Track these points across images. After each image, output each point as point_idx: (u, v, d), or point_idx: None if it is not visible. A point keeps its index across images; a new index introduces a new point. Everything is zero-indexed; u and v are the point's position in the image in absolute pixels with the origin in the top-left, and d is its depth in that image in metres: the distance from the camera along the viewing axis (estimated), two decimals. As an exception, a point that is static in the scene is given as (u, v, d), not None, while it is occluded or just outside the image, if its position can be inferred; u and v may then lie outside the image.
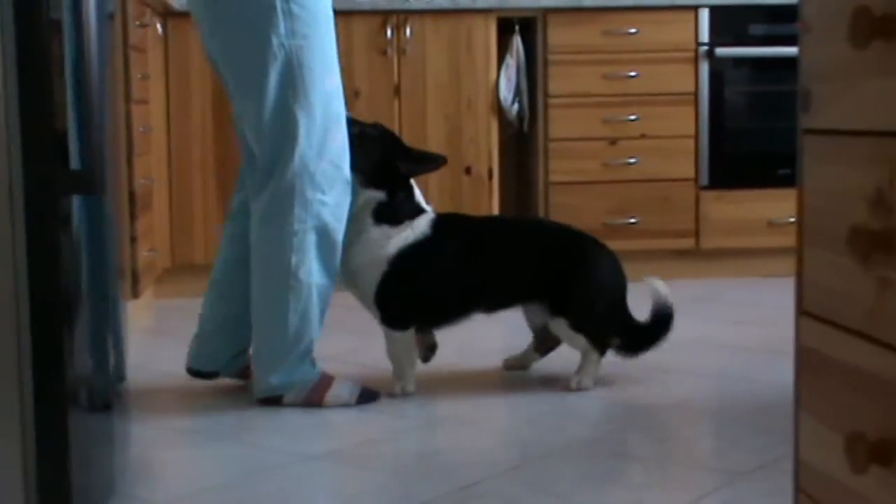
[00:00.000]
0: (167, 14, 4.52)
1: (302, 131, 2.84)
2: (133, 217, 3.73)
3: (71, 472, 1.78)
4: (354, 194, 3.00)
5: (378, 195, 3.03)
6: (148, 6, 4.07)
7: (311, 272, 2.90)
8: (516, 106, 4.75)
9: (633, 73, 4.73)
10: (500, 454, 2.54)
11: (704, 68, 4.76)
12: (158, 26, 4.37)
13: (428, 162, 3.17)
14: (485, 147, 4.64)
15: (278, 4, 2.81)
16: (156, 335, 3.93)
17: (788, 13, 4.69)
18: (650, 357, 3.28)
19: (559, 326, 3.07)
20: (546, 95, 4.72)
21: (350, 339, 3.76)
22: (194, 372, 3.13)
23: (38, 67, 1.70)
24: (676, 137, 4.76)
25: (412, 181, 3.10)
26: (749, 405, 2.92)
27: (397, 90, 4.62)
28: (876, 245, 1.18)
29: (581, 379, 3.08)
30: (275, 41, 2.82)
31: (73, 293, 1.82)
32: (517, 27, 4.75)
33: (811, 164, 1.37)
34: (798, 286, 1.41)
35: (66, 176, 1.77)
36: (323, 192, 2.88)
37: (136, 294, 3.78)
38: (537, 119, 4.76)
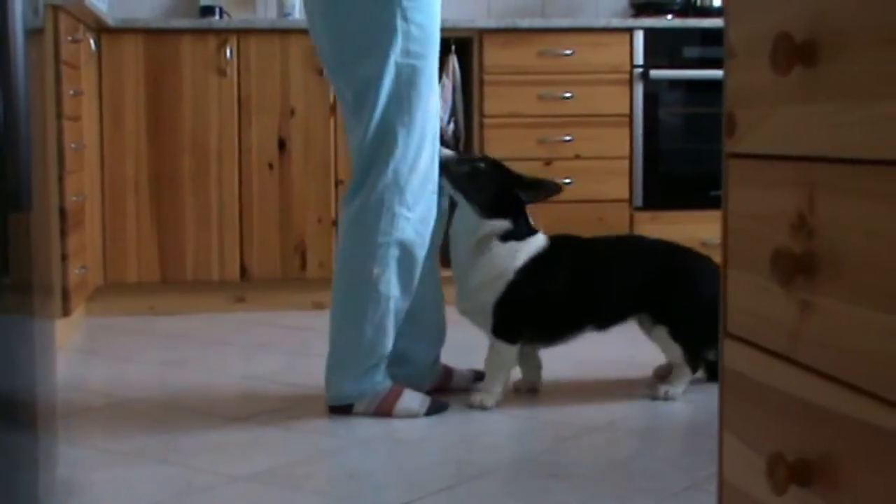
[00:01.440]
0: (101, 30, 4.48)
1: (399, 146, 2.93)
2: (64, 234, 3.69)
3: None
4: (475, 225, 3.10)
5: (504, 224, 3.12)
6: (81, 21, 4.03)
7: (391, 285, 2.96)
8: (452, 125, 4.76)
9: (568, 95, 4.76)
10: (433, 474, 2.53)
11: (639, 90, 4.80)
12: (91, 42, 4.33)
13: (546, 189, 3.23)
14: (421, 166, 4.63)
15: (399, 25, 2.89)
16: (86, 354, 3.88)
17: (722, 37, 4.74)
18: (579, 377, 3.30)
19: (659, 334, 3.17)
20: (481, 115, 4.74)
21: (281, 359, 3.75)
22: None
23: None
24: (611, 159, 4.80)
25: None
26: (679, 425, 2.94)
27: (333, 109, 4.61)
28: (798, 268, 1.19)
29: (669, 388, 3.17)
30: (392, 59, 2.90)
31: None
32: (453, 47, 4.76)
33: (735, 188, 1.39)
34: (723, 308, 1.42)
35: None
36: (409, 209, 2.95)
37: (66, 312, 3.74)
38: (473, 139, 4.77)
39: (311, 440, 2.81)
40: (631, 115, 4.81)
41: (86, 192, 4.12)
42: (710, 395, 3.11)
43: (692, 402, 3.14)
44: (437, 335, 3.21)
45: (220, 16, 5.02)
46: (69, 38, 3.76)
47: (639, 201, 4.82)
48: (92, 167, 4.35)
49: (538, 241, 3.17)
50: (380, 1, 2.88)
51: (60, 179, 3.65)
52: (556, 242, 3.20)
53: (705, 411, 3.02)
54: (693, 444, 2.75)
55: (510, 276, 3.09)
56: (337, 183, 4.64)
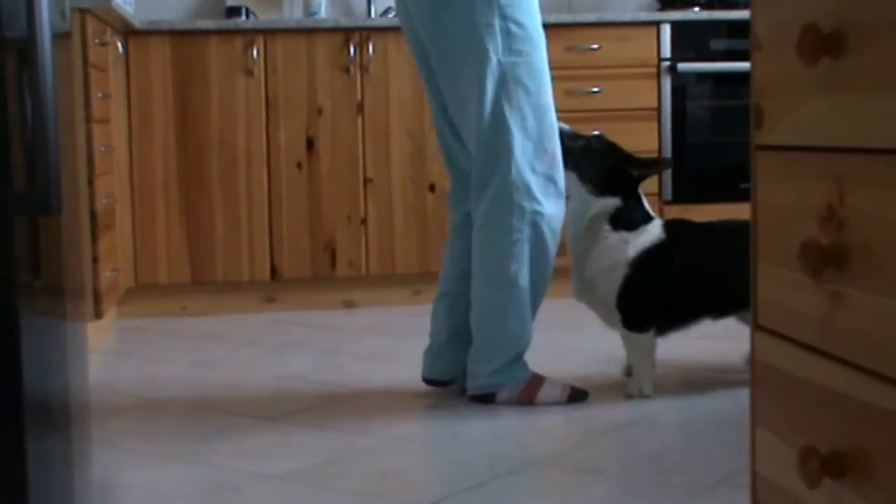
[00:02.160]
0: (127, 32, 4.50)
1: (517, 143, 2.98)
2: (95, 237, 3.71)
3: (30, 497, 1.76)
4: (586, 204, 3.13)
5: (614, 202, 3.14)
6: (108, 24, 4.05)
7: (528, 279, 3.03)
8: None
9: (595, 89, 4.75)
10: (464, 471, 2.53)
11: (667, 84, 4.79)
12: (119, 45, 4.35)
13: (659, 164, 3.27)
14: (448, 164, 4.63)
15: (497, 24, 2.96)
16: (118, 356, 3.90)
17: (749, 28, 4.71)
18: (609, 372, 3.29)
19: None
20: (509, 112, 4.72)
21: (312, 358, 3.75)
22: (430, 381, 3.23)
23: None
24: (639, 152, 4.76)
25: (639, 190, 3.19)
26: (711, 419, 2.92)
27: (360, 107, 4.62)
28: (827, 260, 1.18)
29: None
30: (493, 57, 2.96)
31: (26, 314, 1.81)
32: (480, 44, 4.75)
33: (763, 180, 1.38)
34: (753, 301, 1.41)
35: (15, 196, 1.76)
36: (538, 203, 3.00)
37: (98, 314, 3.76)
38: (501, 135, 4.76)
39: (342, 439, 2.81)
40: (659, 109, 4.79)
41: (115, 195, 4.14)
42: (741, 389, 3.10)
43: (723, 395, 3.13)
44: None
45: (247, 16, 5.04)
46: (96, 42, 3.78)
47: (668, 195, 4.80)
48: (121, 169, 4.37)
49: (652, 231, 3.14)
50: (479, 2, 2.94)
51: (90, 182, 3.67)
52: (672, 229, 3.17)
53: (737, 405, 3.00)
54: (725, 438, 2.73)
55: (624, 269, 3.09)
56: (365, 181, 4.64)
